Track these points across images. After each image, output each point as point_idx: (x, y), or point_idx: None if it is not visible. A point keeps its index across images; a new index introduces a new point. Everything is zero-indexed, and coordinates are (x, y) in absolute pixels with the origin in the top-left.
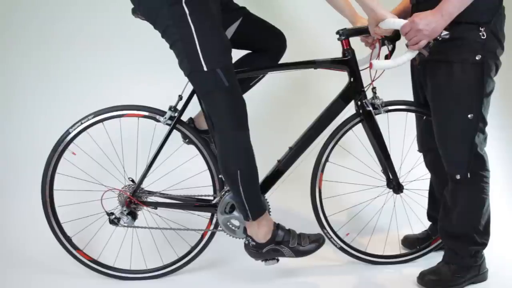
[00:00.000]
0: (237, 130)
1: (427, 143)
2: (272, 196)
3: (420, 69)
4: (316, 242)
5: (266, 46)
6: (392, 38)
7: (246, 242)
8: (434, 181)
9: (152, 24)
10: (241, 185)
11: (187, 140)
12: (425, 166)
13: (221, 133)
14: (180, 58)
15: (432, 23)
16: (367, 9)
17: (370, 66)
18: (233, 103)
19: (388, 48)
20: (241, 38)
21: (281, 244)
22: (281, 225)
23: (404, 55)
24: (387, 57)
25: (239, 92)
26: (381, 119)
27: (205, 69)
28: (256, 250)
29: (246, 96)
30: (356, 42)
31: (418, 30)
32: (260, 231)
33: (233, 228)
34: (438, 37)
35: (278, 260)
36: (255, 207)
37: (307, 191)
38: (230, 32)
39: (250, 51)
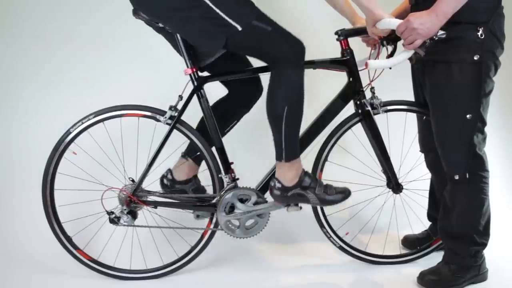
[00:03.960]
0: (293, 66)
1: (428, 143)
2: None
3: (419, 69)
4: (342, 193)
5: (241, 86)
6: (393, 38)
7: (272, 184)
8: (434, 181)
9: (157, 20)
10: (284, 122)
11: (198, 216)
12: (426, 166)
13: (277, 70)
14: (207, 39)
15: (427, 23)
16: (364, 9)
17: (366, 65)
18: (283, 40)
19: (388, 49)
20: (223, 65)
21: (307, 190)
22: (308, 172)
23: (399, 55)
24: (388, 57)
25: (285, 30)
26: (381, 119)
27: (239, 28)
28: (281, 193)
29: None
30: (357, 43)
31: (413, 29)
32: (289, 174)
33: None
34: (434, 37)
35: (301, 208)
36: (292, 149)
37: None
38: (214, 56)
39: (223, 98)
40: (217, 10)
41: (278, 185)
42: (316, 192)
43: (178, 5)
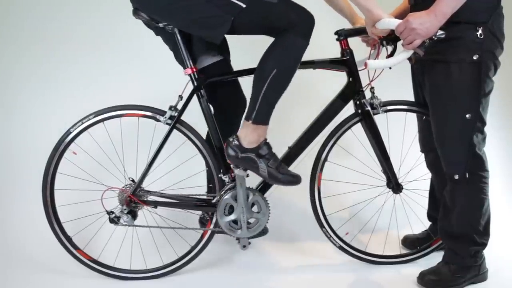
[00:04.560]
0: (299, 36)
1: (428, 143)
2: (271, 195)
3: (418, 69)
4: (293, 177)
5: (228, 100)
6: (393, 38)
7: (231, 140)
8: (434, 181)
9: (161, 18)
10: (267, 83)
11: (244, 247)
12: (426, 166)
13: (281, 37)
14: (212, 19)
15: (426, 23)
16: (364, 9)
17: (365, 65)
18: (291, 11)
19: (387, 49)
20: (216, 71)
21: (261, 158)
22: (269, 144)
23: (399, 55)
24: (388, 58)
25: (293, 1)
26: (381, 119)
27: (243, 5)
28: (236, 152)
29: (247, 96)
30: (357, 43)
31: (412, 29)
32: (251, 136)
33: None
34: (434, 37)
35: (248, 175)
36: (263, 113)
37: (306, 190)
38: (210, 60)
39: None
40: None
41: (235, 142)
42: (268, 164)
43: None
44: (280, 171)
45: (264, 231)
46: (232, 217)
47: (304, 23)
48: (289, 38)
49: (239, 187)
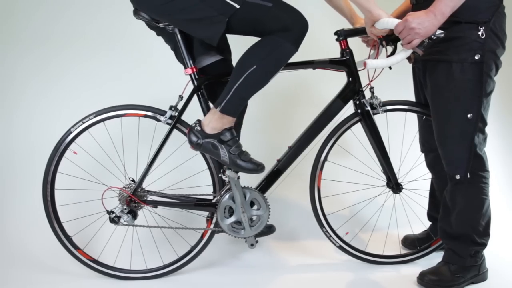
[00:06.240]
0: (289, 41)
1: (428, 144)
2: (271, 195)
3: (420, 69)
4: (256, 165)
5: None
6: (393, 38)
7: (193, 125)
8: (435, 181)
9: (160, 18)
10: (244, 77)
11: (252, 245)
12: (426, 166)
13: (272, 37)
14: (207, 20)
15: (425, 22)
16: (363, 9)
17: (364, 65)
18: (285, 16)
19: (387, 49)
20: (216, 70)
21: (223, 144)
22: (233, 131)
23: (398, 54)
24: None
25: (289, 5)
26: (381, 119)
27: (237, 6)
28: (197, 138)
29: None
30: (357, 43)
31: (411, 29)
32: (215, 123)
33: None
34: (433, 36)
35: (239, 177)
36: (232, 105)
37: (306, 190)
38: (210, 60)
39: None
40: None
41: (198, 128)
42: (230, 151)
43: None
44: (242, 158)
45: (271, 229)
46: (233, 218)
47: (297, 29)
48: (279, 41)
49: (235, 188)
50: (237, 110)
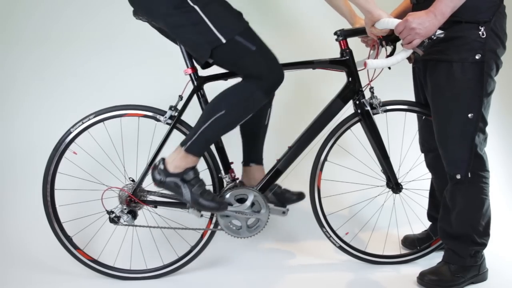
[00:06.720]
0: (262, 91)
1: (428, 144)
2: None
3: (420, 69)
4: (219, 204)
5: None
6: (393, 38)
7: (157, 163)
8: (434, 181)
9: (155, 22)
10: (211, 121)
11: (284, 213)
12: (426, 166)
13: (247, 82)
14: (195, 45)
15: (426, 22)
16: (363, 9)
17: (365, 65)
18: (264, 64)
19: (387, 49)
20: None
21: (186, 184)
22: (197, 170)
23: (398, 54)
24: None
25: (270, 53)
26: (381, 119)
27: (223, 41)
28: (160, 176)
29: None
30: (357, 43)
31: (412, 29)
32: (178, 162)
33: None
34: (433, 36)
35: (202, 215)
36: (197, 146)
37: (306, 190)
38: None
39: None
40: (206, 19)
41: (161, 166)
42: (192, 190)
43: (171, 10)
44: (204, 197)
45: (301, 196)
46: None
47: (272, 79)
48: (251, 88)
49: (219, 218)
50: (201, 152)
